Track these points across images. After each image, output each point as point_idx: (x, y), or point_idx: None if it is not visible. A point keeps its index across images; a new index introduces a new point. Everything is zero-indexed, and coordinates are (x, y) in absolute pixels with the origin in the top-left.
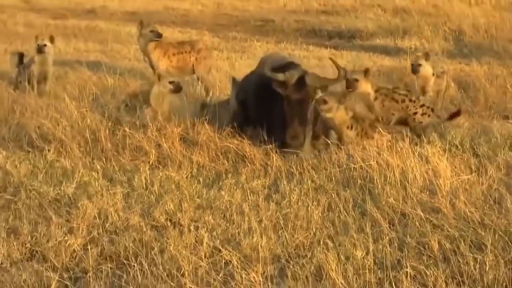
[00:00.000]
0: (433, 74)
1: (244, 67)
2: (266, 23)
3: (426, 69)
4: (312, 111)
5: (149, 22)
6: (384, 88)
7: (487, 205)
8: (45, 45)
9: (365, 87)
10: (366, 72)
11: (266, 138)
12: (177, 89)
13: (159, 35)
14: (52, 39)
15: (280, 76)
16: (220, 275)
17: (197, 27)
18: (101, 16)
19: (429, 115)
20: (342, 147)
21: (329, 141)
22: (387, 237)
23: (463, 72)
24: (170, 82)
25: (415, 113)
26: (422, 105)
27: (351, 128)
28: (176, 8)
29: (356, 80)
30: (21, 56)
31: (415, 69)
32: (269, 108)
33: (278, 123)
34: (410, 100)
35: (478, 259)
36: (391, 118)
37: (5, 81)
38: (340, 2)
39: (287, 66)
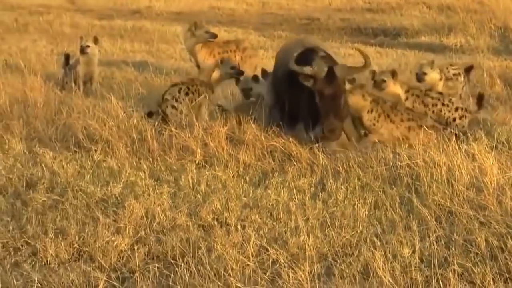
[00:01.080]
0: (441, 79)
1: None
2: (312, 22)
3: (431, 76)
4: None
5: (201, 23)
6: (417, 89)
7: None
8: (88, 46)
9: (393, 88)
10: (393, 73)
11: (304, 131)
12: (238, 73)
13: (215, 36)
14: (96, 40)
15: (308, 70)
16: (267, 274)
17: (243, 26)
18: (147, 17)
19: (466, 116)
20: (387, 144)
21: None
22: (434, 235)
23: (509, 69)
24: (232, 68)
25: (454, 119)
26: (457, 108)
27: (371, 111)
28: (221, 7)
29: (384, 81)
30: (67, 57)
31: (420, 77)
32: (303, 100)
33: (313, 115)
34: (443, 104)
35: None
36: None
37: (52, 81)
38: (385, 0)
39: (309, 54)
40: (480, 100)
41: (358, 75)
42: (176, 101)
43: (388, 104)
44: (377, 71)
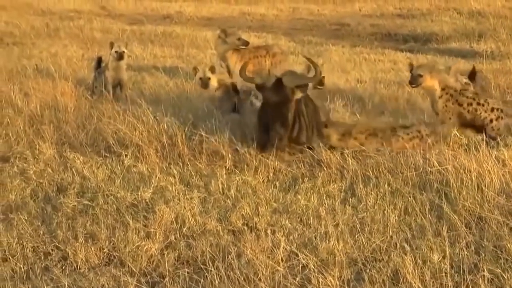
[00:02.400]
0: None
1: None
2: (342, 27)
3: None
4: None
5: (234, 30)
6: (452, 89)
7: None
8: (124, 51)
9: (430, 82)
10: (431, 68)
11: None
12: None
13: (247, 43)
14: (126, 45)
15: (257, 79)
16: (297, 279)
17: (273, 31)
18: (177, 22)
19: (502, 117)
20: (417, 151)
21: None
22: (464, 241)
23: None
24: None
25: (491, 121)
26: (493, 109)
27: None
28: (251, 13)
29: (420, 76)
30: (99, 60)
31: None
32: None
33: (261, 125)
34: (478, 104)
35: None
36: (447, 120)
37: (83, 86)
38: (415, 6)
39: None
40: (473, 74)
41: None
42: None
43: (387, 133)
44: (414, 65)
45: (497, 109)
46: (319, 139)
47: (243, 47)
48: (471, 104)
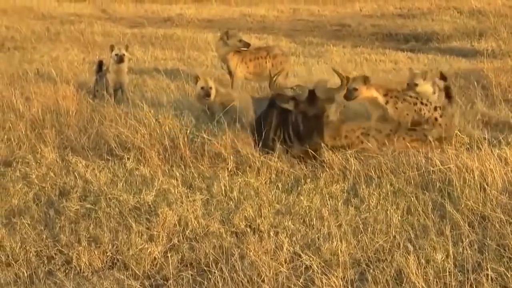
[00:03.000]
0: (434, 92)
1: (321, 72)
2: (343, 28)
3: (424, 88)
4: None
5: (235, 31)
6: (394, 91)
7: None
8: (124, 54)
9: (367, 93)
10: (365, 79)
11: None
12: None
13: (248, 45)
14: (127, 48)
15: (288, 92)
16: (301, 280)
17: (274, 33)
18: (178, 24)
19: (444, 115)
20: (420, 150)
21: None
22: (467, 240)
23: None
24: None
25: (436, 119)
26: (436, 108)
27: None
28: (252, 14)
29: (355, 89)
30: (100, 63)
31: (410, 88)
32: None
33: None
34: (422, 103)
35: None
36: (407, 119)
37: (84, 90)
38: (416, 5)
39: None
40: (447, 92)
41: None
42: None
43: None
44: (350, 79)
45: (439, 107)
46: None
47: (244, 49)
48: (416, 104)
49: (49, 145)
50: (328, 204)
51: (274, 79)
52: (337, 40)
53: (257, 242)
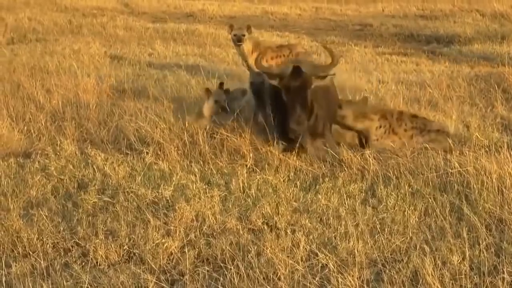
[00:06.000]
0: None
1: (342, 71)
2: (364, 28)
3: None
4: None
5: (240, 25)
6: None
7: None
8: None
9: None
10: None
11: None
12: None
13: (239, 40)
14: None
15: (274, 69)
16: (317, 279)
17: (295, 31)
18: (200, 20)
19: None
20: (438, 152)
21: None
22: (484, 243)
23: None
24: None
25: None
26: None
27: (380, 127)
28: (274, 12)
29: None
30: None
31: None
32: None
33: (280, 116)
34: None
35: None
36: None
37: (105, 84)
38: (438, 7)
39: None
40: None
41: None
42: None
43: (395, 116)
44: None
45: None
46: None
47: (238, 43)
48: None
49: (68, 138)
50: (345, 204)
51: (259, 58)
52: (358, 39)
53: (274, 239)
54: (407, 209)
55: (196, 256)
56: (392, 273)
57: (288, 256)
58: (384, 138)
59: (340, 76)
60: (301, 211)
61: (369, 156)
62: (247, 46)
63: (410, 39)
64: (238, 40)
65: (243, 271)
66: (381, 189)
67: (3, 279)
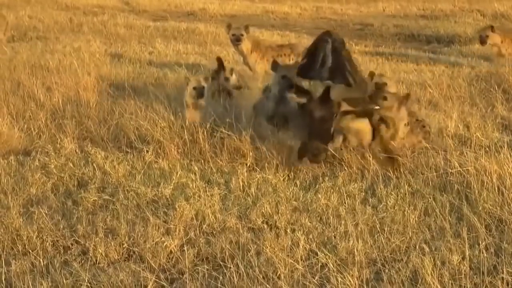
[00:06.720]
0: None
1: None
2: (365, 27)
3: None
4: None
5: (238, 25)
6: None
7: None
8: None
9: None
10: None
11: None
12: None
13: (238, 40)
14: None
15: (305, 84)
16: (316, 278)
17: (296, 30)
18: (201, 19)
19: None
20: (439, 151)
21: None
22: (484, 243)
23: None
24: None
25: None
26: None
27: (406, 124)
28: (275, 11)
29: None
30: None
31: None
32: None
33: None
34: None
35: None
36: None
37: (106, 82)
38: (439, 7)
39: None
40: None
41: None
42: None
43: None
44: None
45: None
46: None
47: (237, 43)
48: None
49: (68, 136)
50: (345, 203)
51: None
52: (359, 39)
53: (273, 238)
54: (407, 208)
55: (195, 254)
56: (392, 273)
57: (287, 255)
58: (406, 136)
59: None
60: (301, 210)
61: (370, 156)
62: (246, 45)
63: (411, 39)
64: (236, 40)
65: (243, 270)
66: (381, 188)
67: (3, 277)
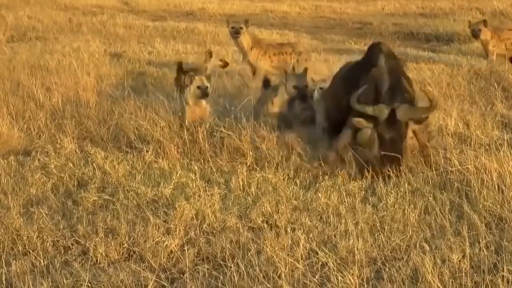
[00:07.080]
0: None
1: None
2: (364, 26)
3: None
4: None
5: (238, 19)
6: None
7: None
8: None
9: None
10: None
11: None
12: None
13: (237, 32)
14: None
15: (369, 110)
16: (316, 277)
17: (295, 29)
18: (200, 18)
19: None
20: (439, 149)
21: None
22: (484, 241)
23: None
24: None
25: None
26: None
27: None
28: (274, 10)
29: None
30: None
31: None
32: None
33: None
34: None
35: None
36: None
37: (105, 82)
38: (438, 5)
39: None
40: None
41: None
42: None
43: None
44: None
45: None
46: None
47: (236, 35)
48: None
49: (68, 136)
50: (345, 202)
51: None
52: (358, 38)
53: (274, 237)
54: (407, 207)
55: (196, 254)
56: (392, 271)
57: (288, 254)
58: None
59: None
60: (301, 209)
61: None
62: (246, 40)
63: (410, 37)
64: (235, 33)
65: (243, 269)
66: (380, 187)
67: (3, 277)
